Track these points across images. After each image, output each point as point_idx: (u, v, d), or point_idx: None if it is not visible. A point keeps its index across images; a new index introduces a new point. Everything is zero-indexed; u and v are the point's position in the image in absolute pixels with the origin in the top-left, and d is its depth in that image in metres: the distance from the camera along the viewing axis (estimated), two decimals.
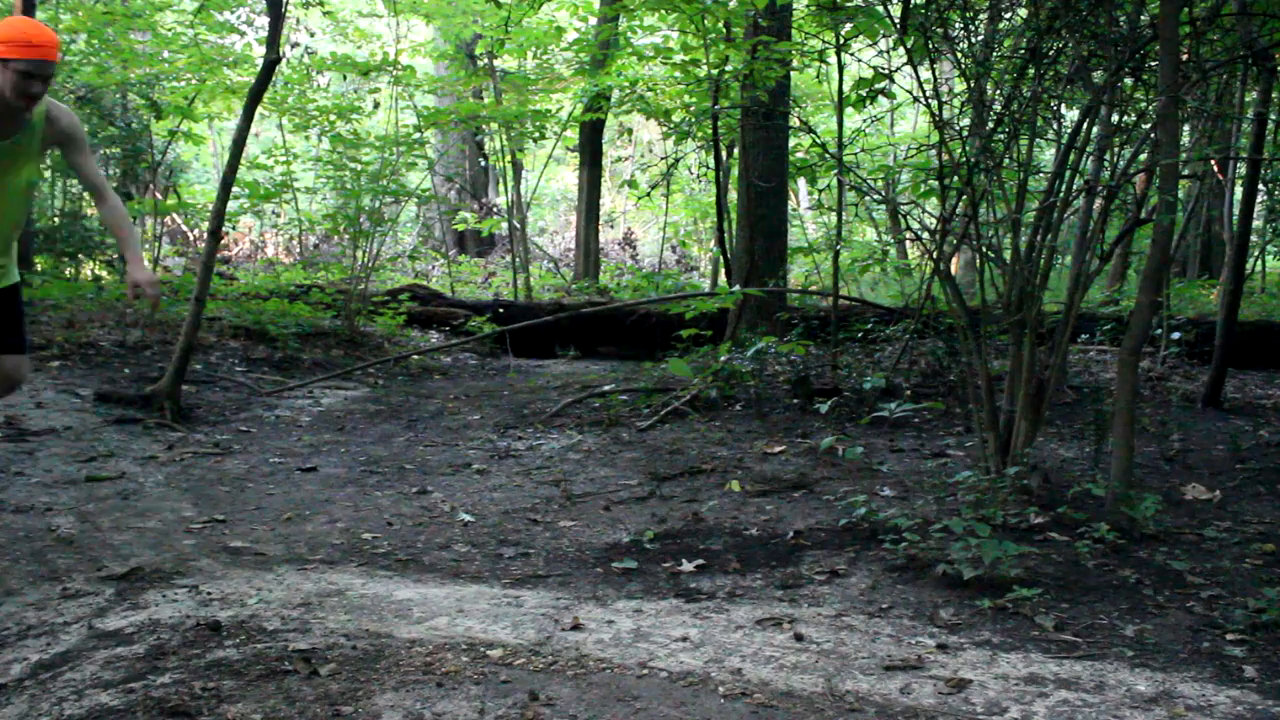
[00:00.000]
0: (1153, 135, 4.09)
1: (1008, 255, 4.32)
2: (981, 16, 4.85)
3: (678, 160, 12.23)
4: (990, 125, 4.38)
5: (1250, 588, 3.10)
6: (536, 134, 11.98)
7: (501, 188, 17.00)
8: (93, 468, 4.77)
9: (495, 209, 16.24)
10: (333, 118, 10.22)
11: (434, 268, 15.29)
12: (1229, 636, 2.74)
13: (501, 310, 9.78)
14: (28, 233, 8.80)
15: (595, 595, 3.15)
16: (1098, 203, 4.49)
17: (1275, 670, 2.51)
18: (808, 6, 8.02)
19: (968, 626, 2.83)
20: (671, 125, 10.29)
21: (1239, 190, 7.27)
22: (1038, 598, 3.03)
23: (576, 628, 2.78)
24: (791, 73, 8.73)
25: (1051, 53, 4.37)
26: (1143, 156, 4.50)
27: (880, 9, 6.28)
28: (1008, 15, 5.02)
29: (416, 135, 10.59)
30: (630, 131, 17.65)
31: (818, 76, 11.02)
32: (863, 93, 5.80)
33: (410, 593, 3.14)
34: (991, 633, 2.78)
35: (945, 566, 3.23)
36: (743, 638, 2.72)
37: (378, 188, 9.44)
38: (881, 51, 8.26)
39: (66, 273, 10.17)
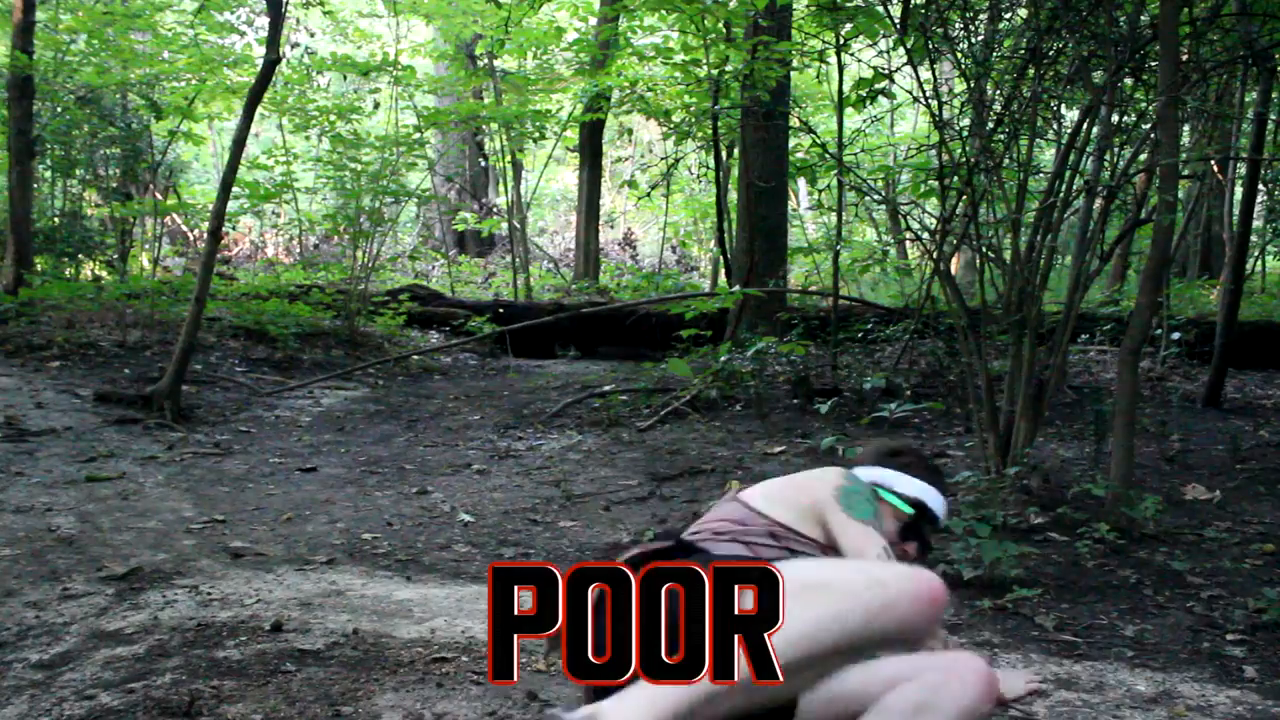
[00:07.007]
0: (1153, 135, 4.09)
1: (1008, 255, 4.32)
2: (981, 16, 4.85)
3: (678, 160, 12.22)
4: (990, 125, 4.38)
5: (1250, 588, 3.10)
6: (536, 134, 11.98)
7: (501, 188, 16.99)
8: (93, 468, 4.77)
9: (495, 209, 16.22)
10: (333, 118, 10.21)
11: (434, 268, 15.28)
12: (1229, 636, 2.74)
13: (501, 310, 9.77)
14: (28, 233, 8.78)
15: None
16: (1098, 203, 4.49)
17: (1275, 670, 2.51)
18: (808, 6, 8.02)
19: (968, 626, 2.83)
20: (671, 125, 10.29)
21: (1239, 190, 7.27)
22: (1038, 598, 3.03)
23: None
24: (791, 73, 8.73)
25: (1051, 53, 4.37)
26: (1143, 156, 4.50)
27: (880, 9, 6.28)
28: (1008, 15, 5.01)
29: (416, 135, 10.59)
30: (630, 131, 17.61)
31: (818, 76, 11.02)
32: (863, 93, 5.80)
33: (410, 593, 3.14)
34: (991, 633, 2.78)
35: (945, 566, 3.23)
36: None
37: (378, 188, 9.44)
38: (881, 51, 8.25)
39: (66, 273, 10.16)
